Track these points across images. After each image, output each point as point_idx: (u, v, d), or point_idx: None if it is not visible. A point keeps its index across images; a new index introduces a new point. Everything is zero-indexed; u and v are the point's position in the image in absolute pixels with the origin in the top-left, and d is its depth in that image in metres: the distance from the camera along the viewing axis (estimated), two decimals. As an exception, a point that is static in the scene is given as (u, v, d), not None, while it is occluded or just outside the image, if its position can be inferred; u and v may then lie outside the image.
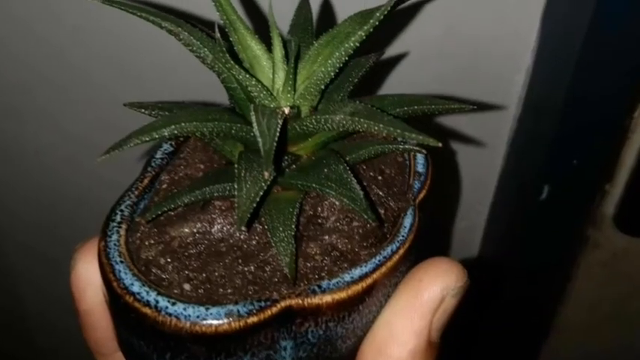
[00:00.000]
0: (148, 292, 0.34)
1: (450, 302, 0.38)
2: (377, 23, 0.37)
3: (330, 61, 0.38)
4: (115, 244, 0.37)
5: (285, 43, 0.40)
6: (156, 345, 0.35)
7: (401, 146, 0.41)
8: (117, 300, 0.35)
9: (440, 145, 0.34)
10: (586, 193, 0.79)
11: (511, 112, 0.77)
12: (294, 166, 0.40)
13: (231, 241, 0.38)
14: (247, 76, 0.37)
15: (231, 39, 0.40)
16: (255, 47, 0.41)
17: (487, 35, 0.70)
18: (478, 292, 0.79)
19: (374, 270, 0.36)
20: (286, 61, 0.39)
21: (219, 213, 0.38)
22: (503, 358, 1.03)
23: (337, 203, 0.39)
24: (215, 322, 0.33)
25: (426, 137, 0.34)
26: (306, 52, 0.41)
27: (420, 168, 0.43)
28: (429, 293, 0.37)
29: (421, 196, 0.42)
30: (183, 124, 0.35)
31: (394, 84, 0.73)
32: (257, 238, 0.38)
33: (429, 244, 0.42)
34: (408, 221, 0.39)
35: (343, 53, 0.37)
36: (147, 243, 0.38)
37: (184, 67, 0.64)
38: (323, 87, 0.39)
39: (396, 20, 0.69)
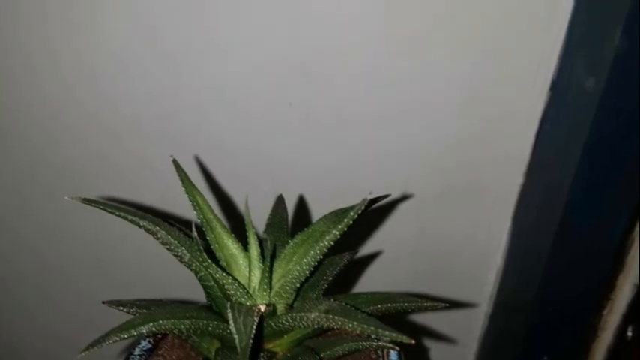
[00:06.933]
0: None
1: None
2: (351, 222, 0.38)
3: (305, 260, 0.39)
4: None
5: (261, 242, 0.41)
6: None
7: (374, 343, 0.42)
8: None
9: (413, 342, 0.34)
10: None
11: (482, 309, 0.78)
12: (269, 362, 0.41)
13: None
14: (224, 274, 0.38)
15: (208, 238, 0.41)
16: (232, 246, 0.42)
17: (459, 235, 0.72)
18: None
19: None
20: (262, 260, 0.41)
21: (194, 410, 0.38)
22: None
23: (312, 400, 0.39)
24: None
25: (399, 334, 0.34)
26: (281, 250, 0.42)
27: (394, 365, 0.43)
28: None
29: (395, 393, 0.42)
30: (161, 321, 0.36)
31: (368, 281, 0.74)
32: None
33: None
34: (382, 419, 0.39)
35: (318, 252, 0.38)
36: None
37: (162, 265, 0.65)
38: (298, 285, 0.40)
39: (370, 219, 0.71)
